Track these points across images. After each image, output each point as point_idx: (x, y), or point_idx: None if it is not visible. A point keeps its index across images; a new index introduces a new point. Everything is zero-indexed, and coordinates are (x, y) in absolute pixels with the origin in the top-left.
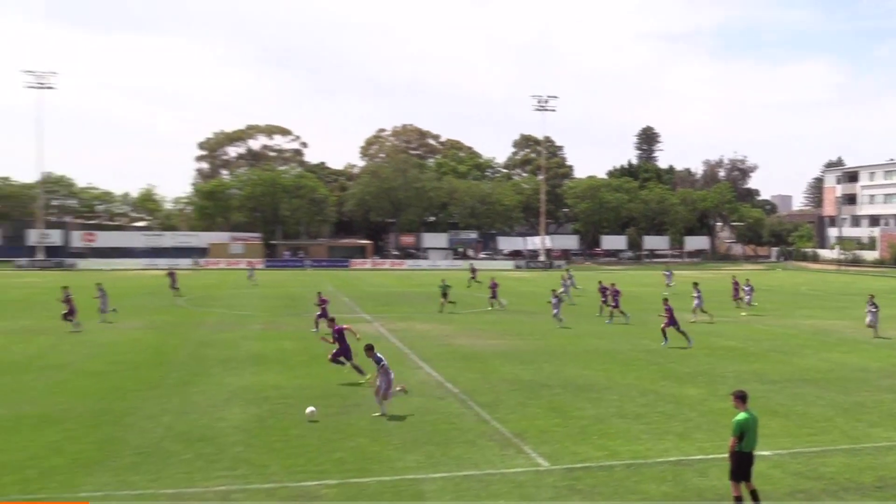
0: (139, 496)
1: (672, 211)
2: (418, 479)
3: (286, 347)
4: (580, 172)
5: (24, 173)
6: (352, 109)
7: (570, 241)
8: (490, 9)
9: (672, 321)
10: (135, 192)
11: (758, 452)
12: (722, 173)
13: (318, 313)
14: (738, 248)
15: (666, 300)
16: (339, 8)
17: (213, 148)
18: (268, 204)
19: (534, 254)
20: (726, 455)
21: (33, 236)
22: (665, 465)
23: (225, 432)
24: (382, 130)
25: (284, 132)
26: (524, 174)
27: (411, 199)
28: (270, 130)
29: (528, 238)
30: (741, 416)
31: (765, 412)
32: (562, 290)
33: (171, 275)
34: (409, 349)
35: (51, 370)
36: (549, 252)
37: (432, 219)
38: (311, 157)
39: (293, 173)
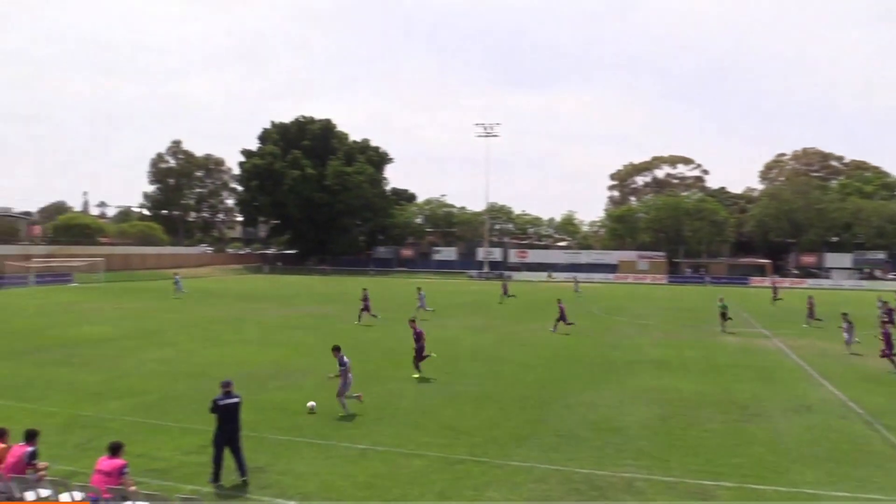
0: (557, 471)
1: None
2: (817, 495)
3: (687, 355)
4: None
5: (475, 204)
6: (750, 138)
7: None
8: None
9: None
10: (558, 217)
11: None
12: None
13: (558, 316)
14: None
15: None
16: (733, 42)
17: (622, 178)
18: (671, 226)
19: None
20: None
21: (481, 253)
22: None
23: (630, 426)
24: (782, 155)
25: (687, 161)
26: None
27: (812, 219)
28: (674, 160)
29: None
30: None
31: None
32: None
33: (504, 285)
34: (810, 366)
35: (492, 361)
36: None
37: (835, 239)
38: (712, 182)
39: (695, 198)
